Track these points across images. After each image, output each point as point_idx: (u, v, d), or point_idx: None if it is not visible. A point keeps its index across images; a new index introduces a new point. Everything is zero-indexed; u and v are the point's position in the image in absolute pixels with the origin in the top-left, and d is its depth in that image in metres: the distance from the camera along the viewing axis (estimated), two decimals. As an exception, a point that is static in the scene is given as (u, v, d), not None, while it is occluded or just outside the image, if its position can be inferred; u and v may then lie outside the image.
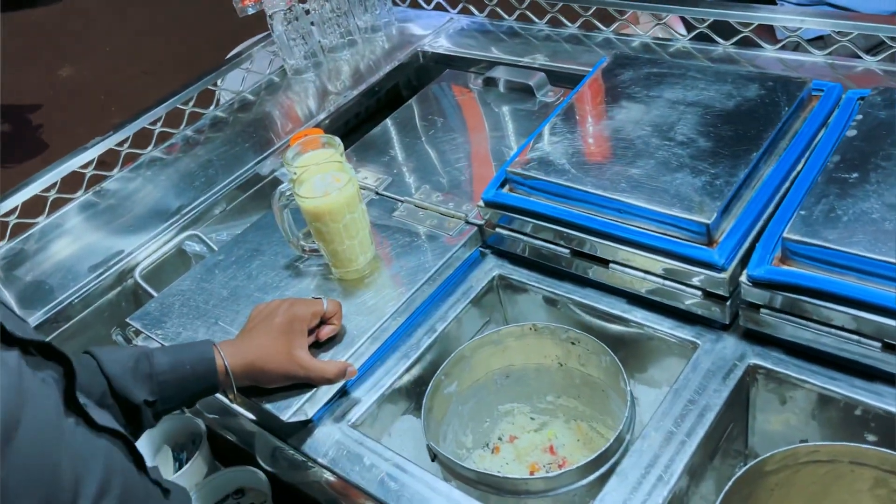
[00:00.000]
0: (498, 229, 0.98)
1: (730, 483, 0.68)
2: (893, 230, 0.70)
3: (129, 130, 1.26)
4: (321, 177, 0.91)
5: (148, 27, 4.17)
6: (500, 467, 0.99)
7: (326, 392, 0.86)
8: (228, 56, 1.47)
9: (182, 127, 1.35)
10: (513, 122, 1.19)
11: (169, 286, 1.04)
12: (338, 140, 0.96)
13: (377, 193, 1.11)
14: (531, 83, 1.21)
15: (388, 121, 1.27)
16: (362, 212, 0.94)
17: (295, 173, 0.92)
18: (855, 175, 0.77)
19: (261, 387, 0.84)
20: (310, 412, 0.85)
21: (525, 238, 0.95)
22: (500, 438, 1.03)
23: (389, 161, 1.18)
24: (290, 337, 0.83)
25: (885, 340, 0.71)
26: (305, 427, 0.86)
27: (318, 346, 0.89)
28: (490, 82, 1.28)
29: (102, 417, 0.63)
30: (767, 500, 0.73)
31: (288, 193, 0.94)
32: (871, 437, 0.75)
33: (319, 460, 0.83)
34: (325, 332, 0.89)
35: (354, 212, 0.91)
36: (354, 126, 1.41)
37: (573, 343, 0.93)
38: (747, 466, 0.69)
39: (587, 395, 0.98)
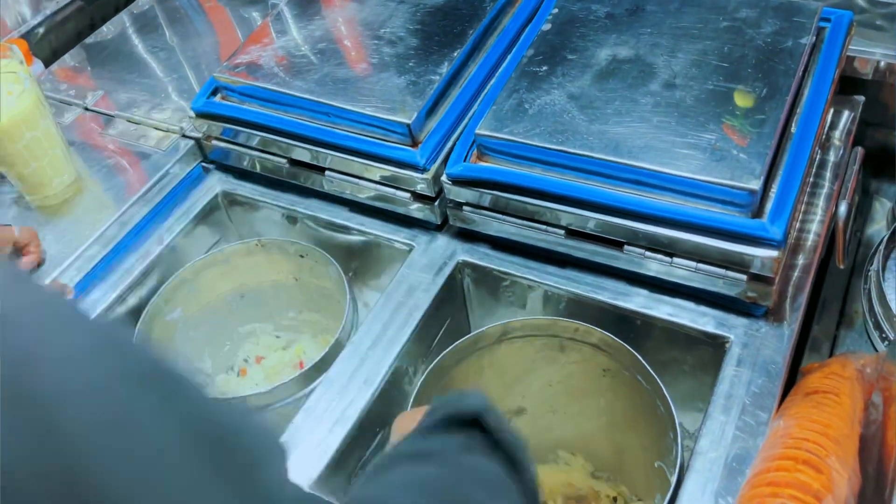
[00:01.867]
0: (216, 142, 0.92)
1: (426, 372, 0.69)
2: (571, 120, 0.72)
3: None
4: (-9, 91, 0.80)
5: None
6: (250, 389, 0.97)
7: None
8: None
9: None
10: (244, 28, 1.11)
11: None
12: (15, 47, 0.85)
13: (86, 109, 1.00)
14: (263, -16, 1.13)
15: (110, 25, 1.15)
16: (49, 128, 0.84)
17: (-41, 88, 0.80)
18: (544, 68, 0.78)
19: None
20: None
21: (243, 150, 0.90)
22: (245, 360, 1.00)
23: (107, 71, 1.06)
24: None
25: (568, 227, 0.74)
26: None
27: None
28: (222, -16, 1.18)
29: None
30: (478, 378, 0.76)
31: (-45, 112, 0.82)
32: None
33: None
34: (25, 262, 0.81)
35: (36, 129, 0.81)
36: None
37: (302, 256, 0.91)
38: (441, 355, 0.70)
39: (327, 308, 0.97)
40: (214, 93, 0.90)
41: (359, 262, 0.92)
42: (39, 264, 0.82)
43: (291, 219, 0.94)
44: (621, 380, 0.74)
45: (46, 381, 0.26)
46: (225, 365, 0.99)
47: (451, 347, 0.71)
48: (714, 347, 0.72)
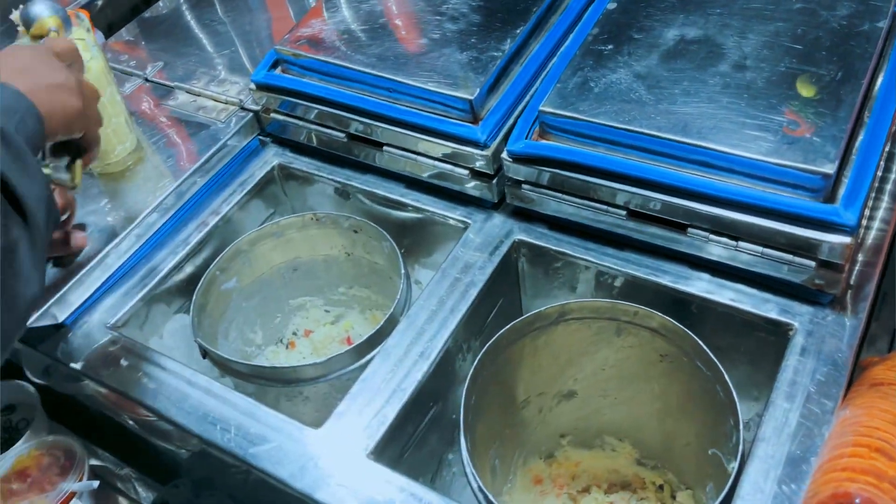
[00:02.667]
0: (274, 115, 0.93)
1: (483, 350, 0.69)
2: (637, 100, 0.71)
3: None
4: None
5: None
6: (297, 362, 0.98)
7: (80, 293, 0.80)
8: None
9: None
10: (295, 4, 1.11)
11: None
12: (82, 15, 0.86)
13: (147, 80, 1.02)
14: (320, -40, 1.13)
15: (164, 1, 1.16)
16: (113, 96, 0.85)
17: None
18: (610, 47, 0.77)
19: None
20: (60, 316, 0.78)
21: (301, 123, 0.91)
22: (294, 333, 1.01)
23: (166, 44, 1.08)
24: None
25: (630, 208, 0.73)
26: (58, 332, 0.79)
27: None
28: (279, -40, 1.18)
29: None
30: (533, 357, 0.76)
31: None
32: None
33: (75, 367, 0.77)
34: (78, 239, 0.79)
35: (102, 96, 0.82)
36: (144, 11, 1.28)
37: (356, 231, 0.91)
38: (499, 333, 0.70)
39: (377, 284, 0.97)
40: (275, 65, 0.90)
41: (411, 238, 0.92)
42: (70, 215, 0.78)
43: (344, 193, 0.94)
44: (678, 365, 0.73)
45: None
46: (275, 337, 1.00)
47: (508, 326, 0.70)
48: (776, 335, 0.70)
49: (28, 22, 0.77)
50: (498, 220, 0.83)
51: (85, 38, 0.83)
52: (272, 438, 0.68)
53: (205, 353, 0.81)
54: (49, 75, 0.64)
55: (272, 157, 0.95)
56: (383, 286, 0.96)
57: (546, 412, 0.83)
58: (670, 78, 0.72)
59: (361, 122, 0.85)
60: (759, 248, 0.68)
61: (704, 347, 0.67)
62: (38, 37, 0.77)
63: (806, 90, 0.68)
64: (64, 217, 0.76)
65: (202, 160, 0.90)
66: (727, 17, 0.77)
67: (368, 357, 0.77)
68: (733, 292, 0.72)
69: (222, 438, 0.68)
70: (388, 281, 0.94)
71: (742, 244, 0.69)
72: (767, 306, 0.70)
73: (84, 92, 0.68)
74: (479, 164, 0.79)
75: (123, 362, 0.76)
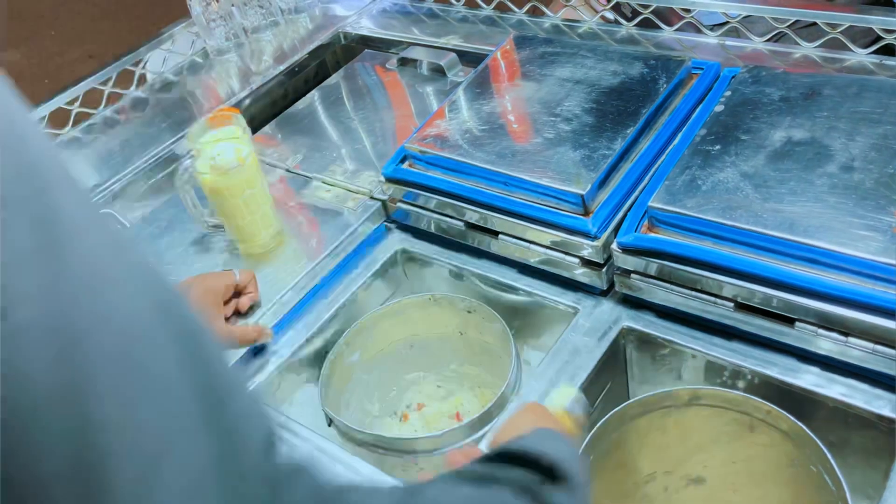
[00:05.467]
0: (400, 204, 1.02)
1: (595, 427, 0.73)
2: (744, 198, 0.75)
3: (44, 110, 1.27)
4: (221, 152, 0.93)
5: (98, 12, 4.10)
6: (409, 434, 1.03)
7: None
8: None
9: (101, 108, 1.35)
10: (424, 100, 1.22)
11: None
12: (239, 116, 0.99)
13: (288, 171, 1.14)
14: (443, 63, 1.25)
15: (304, 100, 1.30)
16: (263, 187, 0.96)
17: (196, 149, 0.94)
18: (717, 147, 0.81)
19: None
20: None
21: (423, 212, 0.99)
22: (407, 407, 1.07)
23: (303, 139, 1.20)
24: (203, 310, 0.85)
25: (738, 301, 0.76)
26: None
27: (240, 316, 0.93)
28: (405, 62, 1.31)
29: None
30: (661, 434, 0.78)
31: (190, 170, 0.96)
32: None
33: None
34: (244, 301, 0.92)
35: (254, 187, 0.94)
36: (282, 107, 1.43)
37: (469, 312, 0.97)
38: (611, 412, 0.73)
39: (487, 363, 1.02)
40: (402, 160, 1.00)
41: (521, 320, 0.97)
42: (256, 304, 0.93)
43: (458, 276, 1.01)
44: (807, 474, 0.72)
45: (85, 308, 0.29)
46: (390, 409, 1.06)
47: (636, 399, 0.73)
48: (888, 433, 0.70)
49: None
50: (606, 307, 0.87)
51: (240, 135, 0.96)
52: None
53: (330, 422, 0.88)
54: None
55: (396, 242, 1.04)
56: (493, 365, 1.01)
57: (672, 493, 0.84)
58: (777, 178, 0.76)
59: (478, 213, 0.92)
60: (871, 345, 0.69)
61: (831, 460, 0.66)
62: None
63: (915, 191, 0.70)
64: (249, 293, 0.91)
65: (334, 245, 1.00)
66: (833, 120, 0.80)
67: (481, 433, 0.82)
68: (844, 387, 0.72)
69: (347, 502, 0.74)
70: (498, 360, 0.99)
71: (852, 340, 0.70)
72: (880, 403, 0.70)
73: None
74: (588, 254, 0.85)
75: (260, 426, 0.84)
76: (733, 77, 0.92)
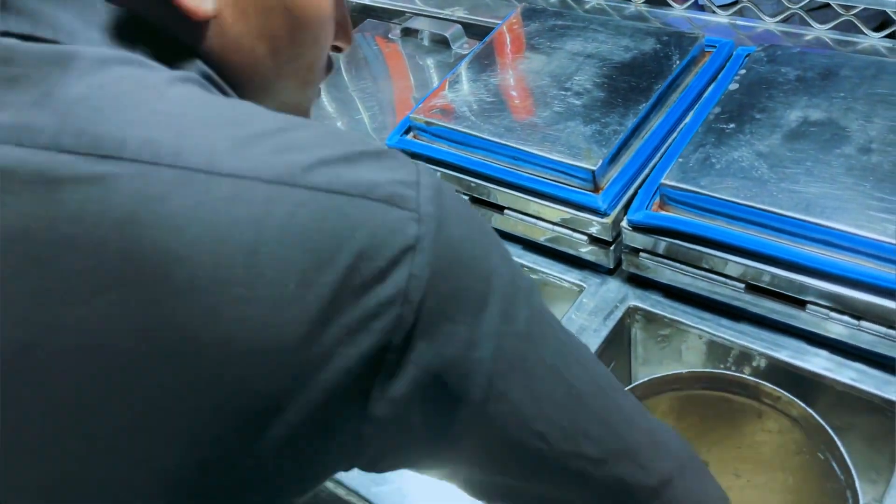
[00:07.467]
0: (402, 176, 0.99)
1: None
2: (759, 177, 0.74)
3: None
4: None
5: None
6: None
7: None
8: None
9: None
10: (425, 73, 1.19)
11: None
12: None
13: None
14: (447, 35, 1.22)
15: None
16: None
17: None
18: (732, 126, 0.80)
19: None
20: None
21: (427, 185, 0.97)
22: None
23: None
24: None
25: (749, 282, 0.75)
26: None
27: None
28: (408, 33, 1.28)
29: None
30: (671, 415, 0.77)
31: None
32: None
33: None
34: None
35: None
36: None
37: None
38: (632, 384, 0.72)
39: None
40: (407, 132, 0.97)
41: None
42: None
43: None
44: (814, 461, 0.71)
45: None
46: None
47: (644, 380, 0.72)
48: (894, 417, 0.70)
49: None
50: (613, 286, 0.86)
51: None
52: (392, 479, 0.72)
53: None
54: None
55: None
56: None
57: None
58: (792, 158, 0.75)
59: (484, 187, 0.90)
60: (884, 329, 0.68)
61: (842, 450, 0.65)
62: None
63: (934, 175, 0.69)
64: None
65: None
66: (851, 101, 0.79)
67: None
68: (854, 372, 0.72)
69: (347, 475, 0.73)
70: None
71: (864, 323, 0.69)
72: (889, 388, 0.70)
73: None
74: (597, 231, 0.83)
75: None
76: (748, 55, 0.90)
